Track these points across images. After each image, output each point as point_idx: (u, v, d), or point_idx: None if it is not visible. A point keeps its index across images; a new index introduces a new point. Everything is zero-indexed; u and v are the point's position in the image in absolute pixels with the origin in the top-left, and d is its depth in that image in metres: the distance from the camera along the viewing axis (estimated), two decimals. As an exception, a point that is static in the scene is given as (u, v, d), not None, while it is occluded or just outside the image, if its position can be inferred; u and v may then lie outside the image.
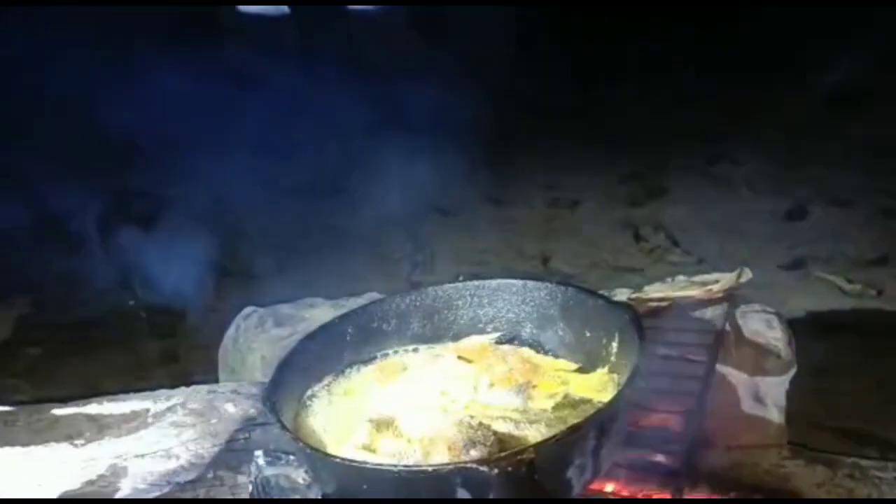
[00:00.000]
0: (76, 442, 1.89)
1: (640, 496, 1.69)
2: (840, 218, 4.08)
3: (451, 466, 1.30)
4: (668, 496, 1.63)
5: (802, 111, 4.89)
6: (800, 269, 3.49)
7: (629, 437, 1.60)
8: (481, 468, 1.26)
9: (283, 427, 1.47)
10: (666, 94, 5.55)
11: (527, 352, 1.80)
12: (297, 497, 1.57)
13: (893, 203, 4.12)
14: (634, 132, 5.14)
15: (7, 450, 1.88)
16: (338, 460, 1.41)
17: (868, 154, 4.55)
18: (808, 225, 4.06)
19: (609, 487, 1.66)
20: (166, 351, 2.93)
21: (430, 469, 1.30)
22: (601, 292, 1.86)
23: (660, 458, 1.70)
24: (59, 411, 2.03)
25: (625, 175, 4.69)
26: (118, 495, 1.78)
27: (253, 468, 1.65)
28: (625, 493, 1.68)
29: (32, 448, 1.88)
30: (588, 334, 1.73)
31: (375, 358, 1.83)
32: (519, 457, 1.27)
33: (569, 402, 1.62)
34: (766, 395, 1.94)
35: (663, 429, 1.76)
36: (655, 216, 4.25)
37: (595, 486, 1.54)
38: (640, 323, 1.59)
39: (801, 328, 2.08)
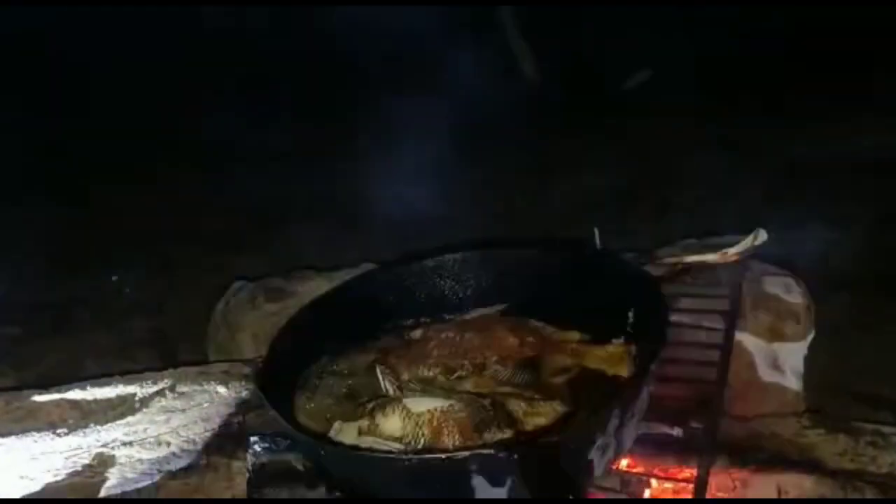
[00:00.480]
0: (59, 430, 1.79)
1: (656, 471, 1.62)
2: (835, 172, 3.99)
3: (467, 453, 1.20)
4: (687, 470, 1.56)
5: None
6: (801, 227, 3.40)
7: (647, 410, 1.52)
8: (501, 454, 1.17)
9: (280, 415, 1.37)
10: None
11: (536, 323, 1.70)
12: (299, 485, 1.47)
13: (888, 155, 4.03)
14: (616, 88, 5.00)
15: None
16: (342, 449, 1.31)
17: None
18: (803, 180, 3.97)
19: (626, 464, 1.59)
20: (152, 328, 2.81)
21: (443, 457, 1.20)
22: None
23: (677, 431, 1.62)
24: (40, 398, 1.91)
25: (611, 134, 4.57)
26: (106, 486, 1.68)
27: (249, 455, 1.55)
28: (642, 469, 1.61)
29: (12, 438, 1.77)
30: (602, 303, 1.63)
31: (375, 334, 1.73)
32: (541, 441, 1.18)
33: (584, 377, 1.53)
34: (783, 362, 1.87)
35: (681, 400, 1.68)
36: (645, 175, 4.15)
37: (615, 464, 1.46)
38: (661, 291, 1.50)
39: (809, 288, 2.00)
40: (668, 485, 1.59)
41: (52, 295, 3.16)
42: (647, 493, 1.57)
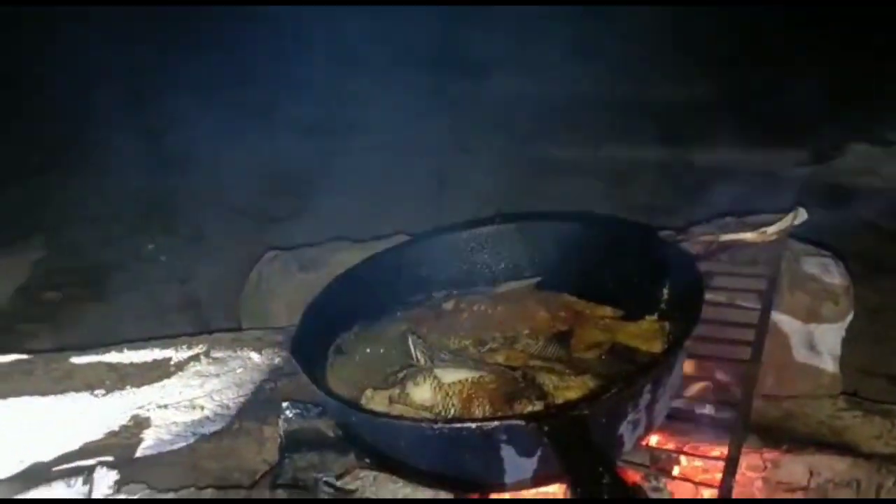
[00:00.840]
0: (97, 391, 1.82)
1: (687, 449, 1.61)
2: (878, 157, 3.89)
3: (496, 423, 1.20)
4: (718, 449, 1.54)
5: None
6: (841, 209, 3.33)
7: (679, 387, 1.51)
8: (530, 425, 1.17)
9: (312, 380, 1.38)
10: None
11: (569, 297, 1.69)
12: (329, 451, 1.49)
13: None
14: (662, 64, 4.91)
15: (26, 399, 1.81)
16: (373, 416, 1.32)
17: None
18: (846, 163, 3.87)
19: (655, 440, 1.58)
20: (186, 296, 2.85)
21: (473, 426, 1.20)
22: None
23: (710, 409, 1.61)
24: (77, 360, 1.95)
25: (655, 113, 4.50)
26: (142, 447, 1.72)
27: (281, 420, 1.58)
28: (672, 446, 1.60)
29: (52, 398, 1.81)
30: (636, 278, 1.62)
31: (408, 304, 1.74)
32: (571, 413, 1.17)
33: (615, 352, 1.52)
34: (820, 343, 1.83)
35: (713, 378, 1.67)
36: (686, 155, 4.08)
37: (645, 440, 1.45)
38: (697, 267, 1.48)
39: (848, 270, 1.96)
40: (699, 462, 1.57)
41: (89, 262, 3.21)
42: (676, 471, 1.56)
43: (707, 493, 1.44)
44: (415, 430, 1.26)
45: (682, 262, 1.53)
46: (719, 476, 1.36)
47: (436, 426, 1.24)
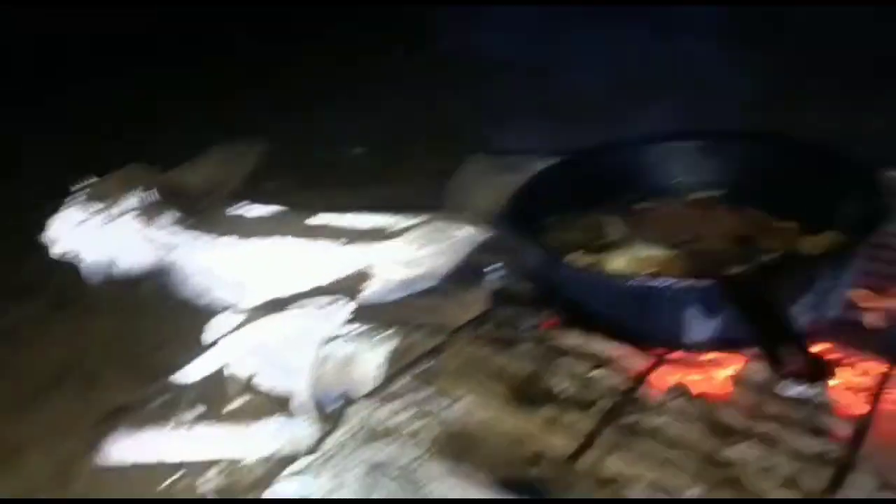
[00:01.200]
0: (331, 245, 2.16)
1: (849, 359, 1.70)
2: None
3: (685, 282, 1.41)
4: (879, 366, 1.63)
5: None
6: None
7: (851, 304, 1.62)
8: (714, 287, 1.36)
9: (520, 240, 1.62)
10: None
11: (753, 210, 1.82)
12: (528, 307, 1.73)
13: None
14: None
15: (277, 240, 2.19)
16: (575, 270, 1.55)
17: None
18: None
19: (824, 346, 1.69)
20: (391, 197, 3.16)
21: (664, 283, 1.41)
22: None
23: (878, 324, 1.69)
24: (311, 221, 2.32)
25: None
26: (362, 294, 2.03)
27: (485, 281, 1.85)
28: (839, 355, 1.69)
29: (295, 243, 2.18)
30: (821, 198, 1.69)
31: (603, 204, 1.89)
32: (753, 280, 1.36)
33: (794, 258, 1.64)
34: None
35: (887, 298, 1.74)
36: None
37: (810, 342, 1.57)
38: (883, 189, 1.59)
39: None
40: (857, 378, 1.66)
41: (305, 158, 3.62)
42: (832, 382, 1.66)
43: (860, 409, 1.54)
44: (611, 285, 1.49)
45: (870, 184, 1.63)
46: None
47: (629, 282, 1.46)
